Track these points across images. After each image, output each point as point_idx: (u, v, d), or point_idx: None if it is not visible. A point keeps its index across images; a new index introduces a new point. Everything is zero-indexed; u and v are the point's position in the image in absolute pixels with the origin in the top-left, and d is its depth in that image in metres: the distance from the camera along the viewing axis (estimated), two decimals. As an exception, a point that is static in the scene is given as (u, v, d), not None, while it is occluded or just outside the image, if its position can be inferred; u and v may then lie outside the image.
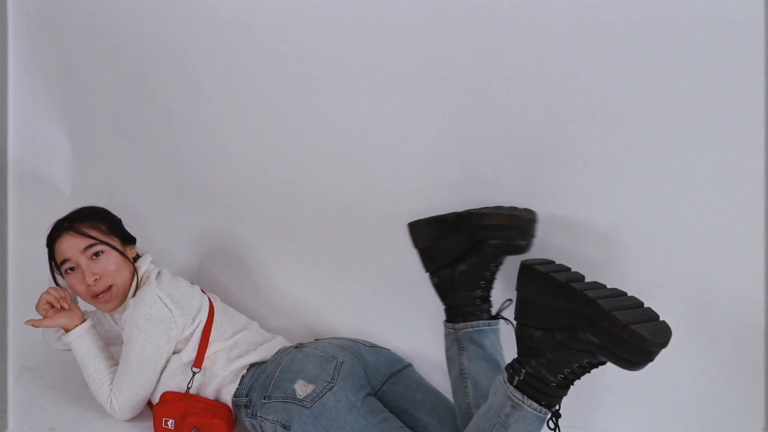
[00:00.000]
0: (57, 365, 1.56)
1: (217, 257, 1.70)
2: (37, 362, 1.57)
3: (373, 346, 1.40)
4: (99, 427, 1.35)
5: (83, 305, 1.41)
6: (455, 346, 1.28)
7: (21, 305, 1.56)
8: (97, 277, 1.31)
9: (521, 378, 1.06)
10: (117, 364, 1.36)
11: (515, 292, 1.14)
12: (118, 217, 1.43)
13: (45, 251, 1.36)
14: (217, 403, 1.32)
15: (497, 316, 1.29)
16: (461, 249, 1.28)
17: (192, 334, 1.32)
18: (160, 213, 1.74)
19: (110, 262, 1.32)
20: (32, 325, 1.32)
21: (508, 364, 1.10)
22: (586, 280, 1.08)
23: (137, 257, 1.41)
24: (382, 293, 1.51)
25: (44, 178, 1.92)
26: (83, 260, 1.31)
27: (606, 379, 1.21)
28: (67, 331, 1.35)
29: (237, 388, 1.31)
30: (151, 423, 1.31)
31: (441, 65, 1.30)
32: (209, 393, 1.32)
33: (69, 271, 1.32)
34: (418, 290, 1.36)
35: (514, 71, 1.25)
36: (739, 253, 1.21)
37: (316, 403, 1.19)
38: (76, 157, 1.89)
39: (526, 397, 1.05)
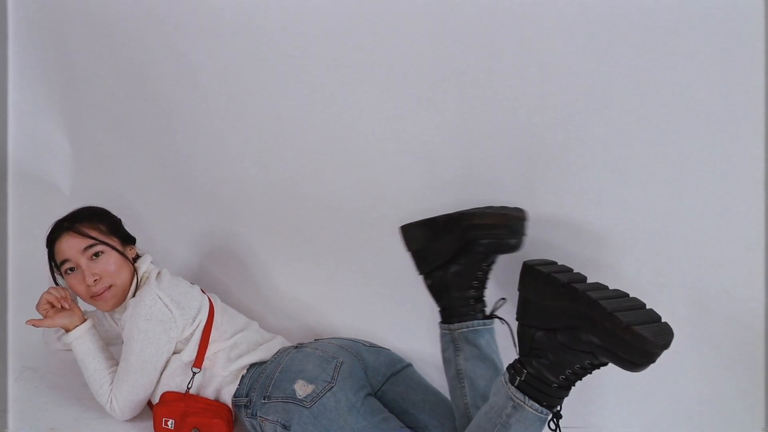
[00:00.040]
0: (57, 365, 1.56)
1: (217, 257, 1.69)
2: (37, 362, 1.57)
3: (373, 346, 1.40)
4: (99, 427, 1.35)
5: (83, 305, 1.41)
6: (451, 347, 1.28)
7: (21, 305, 1.56)
8: (97, 277, 1.30)
9: (523, 378, 1.06)
10: (117, 364, 1.35)
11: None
12: (118, 217, 1.43)
13: (45, 251, 1.35)
14: (217, 403, 1.31)
15: (492, 316, 1.29)
16: (453, 250, 1.27)
17: (192, 335, 1.32)
18: (160, 213, 1.74)
19: (110, 262, 1.32)
20: (33, 325, 1.32)
21: (510, 365, 1.11)
22: (588, 281, 1.08)
23: (137, 257, 1.41)
24: (382, 293, 1.51)
25: (44, 178, 1.91)
26: (83, 260, 1.31)
27: (606, 379, 1.21)
28: (67, 331, 1.34)
29: (237, 388, 1.31)
30: (151, 423, 1.31)
31: (441, 65, 1.30)
32: (209, 393, 1.32)
33: (69, 271, 1.32)
34: (418, 290, 1.36)
35: (515, 71, 1.25)
36: (739, 254, 1.21)
37: (316, 404, 1.19)
38: (76, 157, 1.89)
39: (527, 397, 1.05)
